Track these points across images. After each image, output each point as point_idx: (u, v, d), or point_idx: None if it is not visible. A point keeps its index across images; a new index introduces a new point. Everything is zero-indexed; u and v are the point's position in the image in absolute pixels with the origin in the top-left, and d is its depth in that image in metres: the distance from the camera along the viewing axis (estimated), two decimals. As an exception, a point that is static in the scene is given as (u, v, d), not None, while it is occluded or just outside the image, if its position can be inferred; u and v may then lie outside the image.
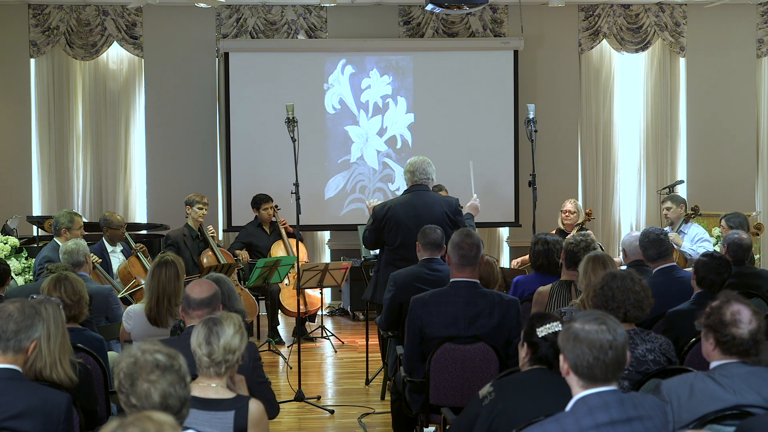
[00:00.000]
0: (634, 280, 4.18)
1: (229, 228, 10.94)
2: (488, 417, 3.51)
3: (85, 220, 8.81)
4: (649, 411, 2.96)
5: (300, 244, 9.72)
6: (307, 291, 9.32)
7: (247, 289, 8.89)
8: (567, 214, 8.85)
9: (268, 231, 9.72)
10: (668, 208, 8.56)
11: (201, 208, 8.96)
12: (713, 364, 3.40)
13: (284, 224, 9.70)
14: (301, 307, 9.31)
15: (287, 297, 9.37)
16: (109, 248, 8.14)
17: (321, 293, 9.14)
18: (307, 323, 9.74)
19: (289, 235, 9.72)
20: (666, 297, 5.33)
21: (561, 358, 2.99)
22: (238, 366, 3.57)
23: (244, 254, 9.39)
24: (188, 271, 7.63)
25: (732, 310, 3.37)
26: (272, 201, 9.73)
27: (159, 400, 2.68)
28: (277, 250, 9.58)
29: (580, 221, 8.85)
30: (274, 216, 9.77)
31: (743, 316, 3.35)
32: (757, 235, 8.40)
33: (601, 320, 2.94)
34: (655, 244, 5.93)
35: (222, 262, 8.82)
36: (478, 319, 4.96)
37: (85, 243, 6.42)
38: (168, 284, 5.15)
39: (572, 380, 2.96)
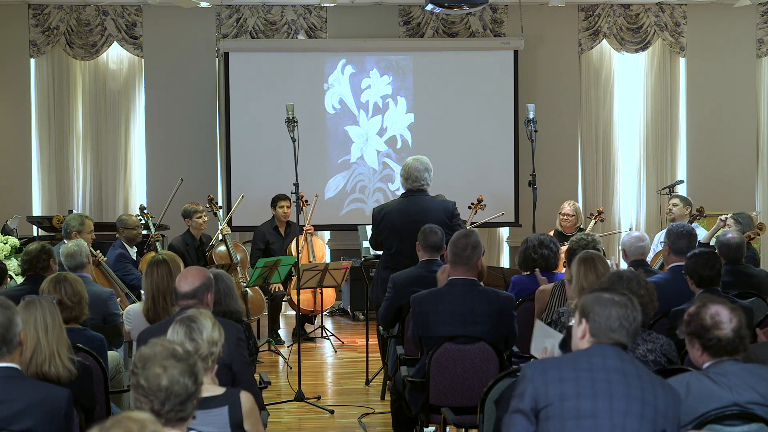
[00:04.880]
0: (640, 283, 4.16)
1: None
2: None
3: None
4: (656, 385, 3.11)
5: (318, 241, 9.74)
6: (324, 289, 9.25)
7: (259, 288, 8.87)
8: (566, 217, 8.74)
9: (282, 232, 9.66)
10: (675, 204, 8.48)
11: (200, 217, 8.96)
12: (706, 364, 3.40)
13: (309, 231, 9.64)
14: (308, 305, 9.33)
15: (303, 297, 9.30)
16: (131, 250, 8.20)
17: (321, 293, 9.13)
18: (306, 324, 9.72)
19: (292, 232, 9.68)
20: (682, 294, 5.25)
21: (582, 322, 3.18)
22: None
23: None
24: None
25: (711, 313, 3.36)
26: (288, 199, 9.56)
27: (166, 384, 2.73)
28: (293, 251, 9.56)
29: (579, 224, 8.79)
30: (302, 214, 9.67)
31: (723, 317, 3.36)
32: (759, 235, 8.38)
33: (627, 296, 3.24)
34: (687, 237, 5.92)
35: (235, 260, 8.85)
36: (476, 316, 4.97)
37: (86, 244, 6.41)
38: (161, 282, 5.15)
39: (582, 343, 3.19)
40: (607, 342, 3.13)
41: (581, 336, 3.16)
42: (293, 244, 9.40)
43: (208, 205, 9.40)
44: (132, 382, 2.80)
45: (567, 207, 8.81)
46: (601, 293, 3.21)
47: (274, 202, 9.66)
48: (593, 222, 9.00)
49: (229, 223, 9.71)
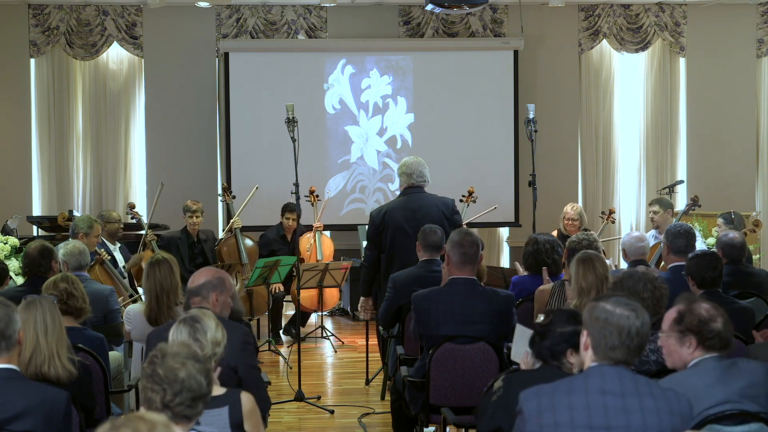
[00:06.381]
0: (647, 286, 4.13)
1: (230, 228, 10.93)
2: (494, 413, 3.53)
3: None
4: (656, 395, 2.98)
5: (327, 239, 9.73)
6: (326, 288, 9.24)
7: (264, 287, 8.86)
8: (570, 222, 8.42)
9: (289, 239, 9.64)
10: (655, 212, 8.26)
11: (191, 217, 8.95)
12: (693, 362, 3.41)
13: (319, 228, 9.64)
14: (310, 303, 9.34)
15: (305, 294, 9.30)
16: (111, 246, 8.17)
17: (321, 293, 9.13)
18: (305, 324, 9.73)
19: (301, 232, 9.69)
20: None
21: (584, 333, 3.05)
22: (227, 351, 3.63)
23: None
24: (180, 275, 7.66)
25: (705, 308, 3.40)
26: (295, 212, 9.42)
27: (183, 377, 2.78)
28: (305, 246, 9.56)
29: (583, 227, 8.62)
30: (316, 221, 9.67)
31: (714, 311, 3.40)
32: (755, 232, 8.31)
33: (631, 306, 3.02)
34: (685, 235, 5.90)
35: (244, 261, 8.85)
36: (476, 315, 4.97)
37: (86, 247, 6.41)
38: (165, 280, 5.13)
39: (586, 356, 3.05)
40: (606, 362, 3.00)
41: (584, 347, 3.06)
42: (300, 241, 9.46)
43: (221, 195, 9.41)
44: (146, 372, 2.82)
45: (570, 211, 8.46)
46: (604, 304, 3.04)
47: (283, 211, 9.62)
48: (604, 222, 8.92)
49: (230, 218, 9.67)
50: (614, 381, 2.97)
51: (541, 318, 3.57)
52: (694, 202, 8.61)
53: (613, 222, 9.23)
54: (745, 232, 7.80)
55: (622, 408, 2.93)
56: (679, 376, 3.38)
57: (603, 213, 9.15)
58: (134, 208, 8.97)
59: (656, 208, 8.32)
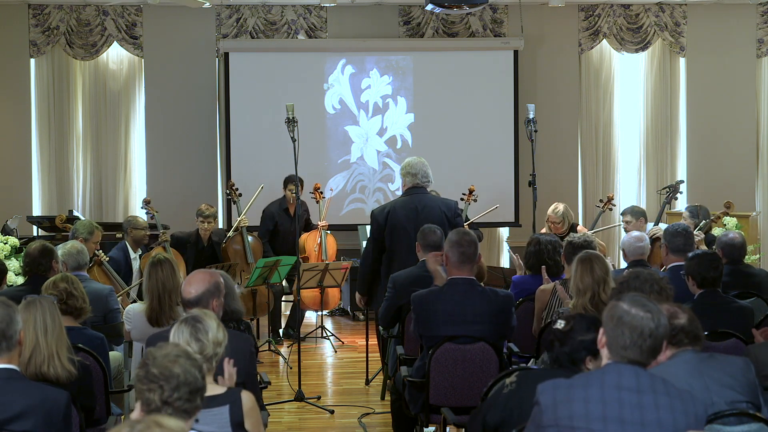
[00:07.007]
0: (654, 287, 4.12)
1: (229, 228, 10.92)
2: (505, 405, 3.55)
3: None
4: (672, 394, 2.99)
5: (331, 239, 9.73)
6: (327, 288, 9.25)
7: (266, 286, 8.84)
8: (554, 225, 8.17)
9: (291, 213, 9.61)
10: (627, 222, 8.00)
11: (202, 222, 8.94)
12: (668, 360, 3.47)
13: (324, 227, 9.63)
14: (312, 302, 9.35)
15: (308, 294, 9.29)
16: (132, 254, 8.12)
17: (322, 293, 9.13)
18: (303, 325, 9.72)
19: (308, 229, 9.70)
20: (682, 295, 5.22)
21: (601, 331, 3.07)
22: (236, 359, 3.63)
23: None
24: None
25: (665, 307, 3.43)
26: (297, 183, 9.36)
27: (179, 372, 2.81)
28: (312, 245, 9.56)
29: (569, 223, 8.44)
30: (321, 198, 9.63)
31: (676, 309, 3.48)
32: (727, 214, 8.16)
33: (647, 307, 3.02)
34: (683, 235, 5.89)
35: (249, 260, 8.91)
36: (476, 315, 4.96)
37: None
38: (167, 280, 5.13)
39: (603, 353, 3.07)
40: (621, 360, 3.00)
41: (601, 344, 3.09)
42: (307, 239, 9.44)
43: (228, 191, 9.41)
44: (140, 374, 2.84)
45: (552, 214, 8.21)
46: (622, 303, 3.04)
47: (286, 183, 9.58)
48: (601, 210, 8.83)
49: (230, 216, 9.64)
50: (630, 378, 2.98)
51: (561, 324, 3.54)
52: (675, 189, 8.53)
53: (611, 209, 9.13)
54: (719, 216, 7.79)
55: (637, 404, 2.95)
56: (657, 369, 3.39)
57: (600, 200, 9.07)
58: (150, 203, 8.93)
59: (628, 218, 8.05)
